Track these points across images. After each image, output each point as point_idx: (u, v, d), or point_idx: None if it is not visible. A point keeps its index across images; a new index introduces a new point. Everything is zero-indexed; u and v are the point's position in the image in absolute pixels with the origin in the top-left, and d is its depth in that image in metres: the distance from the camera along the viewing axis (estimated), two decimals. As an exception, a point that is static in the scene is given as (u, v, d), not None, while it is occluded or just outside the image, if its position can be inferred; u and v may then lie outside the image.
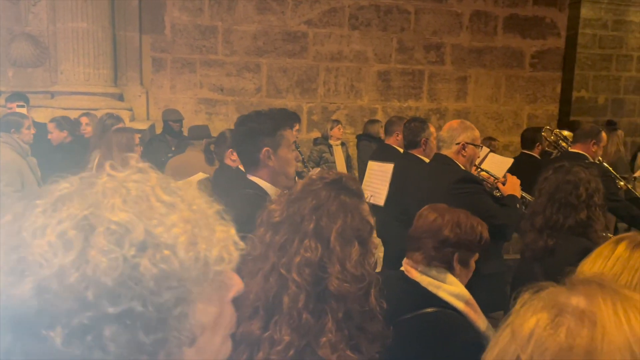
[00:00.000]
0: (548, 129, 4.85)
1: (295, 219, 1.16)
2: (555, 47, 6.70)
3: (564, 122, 9.97)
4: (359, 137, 5.44)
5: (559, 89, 6.89)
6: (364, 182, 3.00)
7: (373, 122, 5.47)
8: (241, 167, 2.49)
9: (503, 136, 6.43)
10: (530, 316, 0.66)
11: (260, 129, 1.99)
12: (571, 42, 10.23)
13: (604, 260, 1.49)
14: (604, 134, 4.13)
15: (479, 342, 1.48)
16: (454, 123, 3.06)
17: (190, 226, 0.59)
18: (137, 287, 0.54)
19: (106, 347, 0.53)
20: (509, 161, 3.67)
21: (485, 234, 1.78)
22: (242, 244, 0.64)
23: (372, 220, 1.25)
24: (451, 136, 2.95)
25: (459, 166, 2.91)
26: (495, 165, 3.38)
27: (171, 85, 5.69)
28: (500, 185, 3.10)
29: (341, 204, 1.19)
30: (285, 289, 1.10)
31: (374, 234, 1.26)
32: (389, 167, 3.00)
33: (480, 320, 1.66)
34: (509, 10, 6.37)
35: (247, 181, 2.04)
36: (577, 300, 0.67)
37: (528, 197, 3.15)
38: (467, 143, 2.93)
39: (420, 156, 3.52)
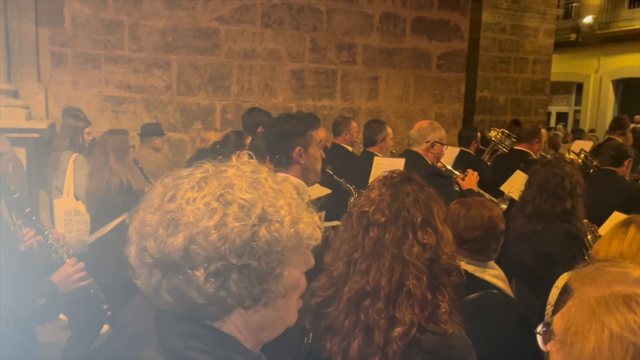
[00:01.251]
0: (495, 129, 5.28)
1: (402, 215, 1.33)
2: (459, 50, 7.05)
3: (468, 120, 10.54)
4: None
5: (463, 89, 7.26)
6: (371, 175, 3.13)
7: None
8: None
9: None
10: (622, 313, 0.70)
11: (293, 130, 2.18)
12: (474, 45, 10.83)
13: (620, 241, 1.80)
14: (544, 132, 4.57)
15: (519, 312, 1.87)
16: (424, 123, 3.42)
17: (293, 209, 0.82)
18: (255, 247, 0.77)
19: (230, 288, 0.77)
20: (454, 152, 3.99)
21: (502, 224, 2.05)
22: (323, 228, 0.86)
23: (440, 211, 1.42)
24: (421, 135, 3.30)
25: (428, 162, 3.24)
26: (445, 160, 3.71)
27: (73, 82, 5.36)
28: (460, 181, 3.45)
29: (429, 194, 1.38)
30: (406, 275, 1.27)
31: None
32: (400, 162, 3.20)
33: (511, 293, 1.95)
34: (416, 13, 6.62)
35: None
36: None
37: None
38: (435, 142, 3.30)
39: (377, 153, 3.83)
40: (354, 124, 4.64)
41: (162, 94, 5.68)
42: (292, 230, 0.80)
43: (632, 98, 16.02)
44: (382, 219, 1.33)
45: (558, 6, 13.03)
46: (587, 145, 5.34)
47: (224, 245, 0.75)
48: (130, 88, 5.55)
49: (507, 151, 4.78)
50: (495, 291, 1.89)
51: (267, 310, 0.83)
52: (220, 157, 2.80)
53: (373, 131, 4.01)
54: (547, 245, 2.52)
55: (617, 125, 6.28)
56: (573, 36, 16.82)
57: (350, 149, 4.47)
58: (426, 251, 1.30)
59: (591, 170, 4.28)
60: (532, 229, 2.61)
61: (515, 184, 3.56)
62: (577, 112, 18.10)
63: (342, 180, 2.89)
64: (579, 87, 17.78)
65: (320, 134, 5.37)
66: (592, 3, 16.55)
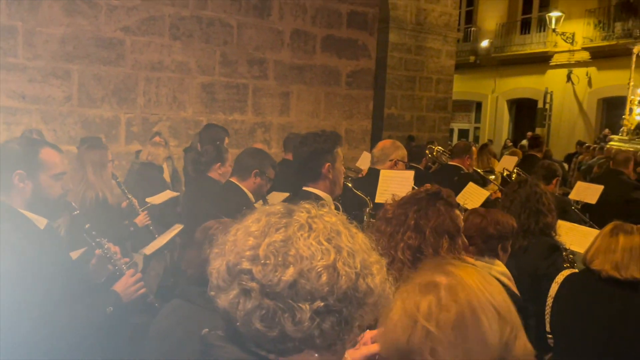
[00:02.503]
0: (431, 146, 5.65)
1: (401, 217, 1.68)
2: (367, 68, 7.30)
3: (377, 136, 10.92)
4: (186, 150, 5.32)
5: (371, 106, 7.51)
6: (379, 187, 3.36)
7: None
8: (234, 180, 3.04)
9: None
10: (420, 298, 0.87)
11: (323, 148, 2.38)
12: (382, 64, 11.28)
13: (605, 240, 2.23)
14: (474, 149, 4.95)
15: (520, 302, 2.07)
16: (387, 142, 3.66)
17: (382, 267, 0.87)
18: (354, 295, 0.81)
19: (324, 328, 0.79)
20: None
21: (514, 224, 2.40)
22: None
23: (459, 221, 1.74)
24: (384, 154, 3.52)
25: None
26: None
27: (-42, 90, 4.93)
28: None
29: (436, 209, 1.68)
30: (392, 264, 1.56)
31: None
32: (409, 174, 3.41)
33: (516, 291, 2.20)
34: (326, 31, 6.79)
35: (304, 192, 2.42)
36: (441, 278, 0.88)
37: None
38: (398, 160, 3.53)
39: None
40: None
41: (62, 105, 5.36)
42: (380, 287, 0.85)
43: (523, 116, 17.41)
44: (389, 215, 1.74)
45: (458, 30, 13.93)
46: (512, 160, 5.87)
47: (332, 287, 0.79)
48: (25, 98, 5.19)
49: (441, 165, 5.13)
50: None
51: (330, 356, 0.84)
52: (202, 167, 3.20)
53: None
54: (533, 259, 2.74)
55: (535, 143, 7.11)
56: (472, 58, 18.03)
57: None
58: (409, 248, 1.63)
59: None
60: (518, 244, 2.76)
61: (469, 196, 3.79)
62: (476, 128, 19.33)
63: (359, 192, 3.08)
64: (478, 105, 19.03)
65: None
66: (489, 28, 17.85)
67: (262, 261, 0.79)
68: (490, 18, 17.89)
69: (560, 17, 14.69)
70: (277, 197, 3.34)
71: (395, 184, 3.36)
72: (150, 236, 3.46)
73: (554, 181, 4.18)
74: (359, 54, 7.14)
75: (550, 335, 2.40)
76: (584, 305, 2.26)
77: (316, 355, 0.83)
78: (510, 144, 14.72)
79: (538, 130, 15.81)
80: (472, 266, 0.93)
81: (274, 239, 0.81)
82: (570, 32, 14.85)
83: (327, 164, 2.38)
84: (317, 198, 2.34)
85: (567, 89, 15.46)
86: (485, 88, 18.14)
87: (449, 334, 0.83)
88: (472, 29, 18.47)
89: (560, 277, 2.42)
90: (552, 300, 2.37)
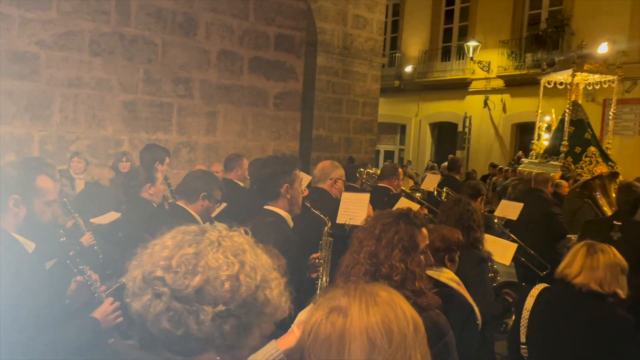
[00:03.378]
0: (361, 169, 5.85)
1: (371, 227, 2.02)
2: (295, 90, 7.38)
3: (306, 157, 11.01)
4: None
5: (299, 128, 7.57)
6: (340, 209, 3.57)
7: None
8: (181, 204, 3.08)
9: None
10: (314, 314, 0.98)
11: (282, 170, 2.60)
12: (310, 86, 11.44)
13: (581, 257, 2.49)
14: (400, 170, 5.28)
15: (468, 305, 2.43)
16: (326, 163, 3.92)
17: (281, 283, 1.00)
18: (252, 303, 0.93)
19: (224, 330, 0.91)
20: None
21: (461, 237, 2.69)
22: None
23: (420, 238, 2.01)
24: (325, 173, 3.73)
25: (332, 196, 3.71)
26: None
27: None
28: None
29: (398, 225, 1.99)
30: (355, 267, 1.94)
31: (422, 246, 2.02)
32: (365, 196, 3.73)
33: (466, 294, 2.51)
34: (253, 53, 6.80)
35: (265, 211, 2.63)
36: (339, 300, 0.97)
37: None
38: (337, 179, 3.78)
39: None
40: (245, 160, 4.99)
41: (-34, 121, 5.00)
42: (277, 300, 0.98)
43: (445, 139, 18.21)
44: (365, 226, 2.09)
45: (383, 55, 14.43)
46: (436, 178, 6.32)
47: (233, 295, 0.91)
48: None
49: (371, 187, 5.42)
50: (448, 288, 2.46)
51: (230, 358, 0.96)
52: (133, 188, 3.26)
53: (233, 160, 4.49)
54: (464, 269, 2.94)
55: (454, 166, 7.64)
56: (397, 83, 18.70)
57: (241, 184, 4.79)
58: (370, 254, 1.96)
59: None
60: None
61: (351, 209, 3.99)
62: (401, 150, 19.98)
63: (318, 212, 3.23)
64: (403, 128, 19.71)
65: (217, 167, 5.45)
66: (412, 55, 18.63)
67: (174, 269, 0.91)
68: (414, 45, 18.69)
69: (477, 46, 15.61)
70: (109, 217, 3.49)
71: (354, 205, 3.66)
72: (96, 256, 3.43)
73: (479, 199, 4.51)
74: (286, 76, 7.20)
75: (524, 346, 2.59)
76: (564, 316, 2.47)
77: (218, 358, 0.94)
78: (432, 164, 15.32)
79: (458, 153, 16.59)
80: (384, 294, 0.99)
81: (186, 252, 0.93)
82: (487, 61, 15.79)
83: (286, 185, 2.59)
84: (277, 216, 2.60)
85: (484, 114, 16.37)
86: (409, 111, 18.84)
87: (317, 351, 0.95)
88: (397, 54, 19.20)
89: (534, 291, 2.65)
90: (528, 312, 2.59)
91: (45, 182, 2.13)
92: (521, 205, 5.29)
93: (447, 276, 2.53)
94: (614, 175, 5.94)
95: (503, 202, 5.53)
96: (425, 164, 16.76)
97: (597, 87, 11.36)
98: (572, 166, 10.17)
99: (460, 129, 16.74)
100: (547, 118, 12.72)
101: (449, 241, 2.62)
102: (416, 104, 18.49)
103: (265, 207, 2.64)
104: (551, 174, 8.81)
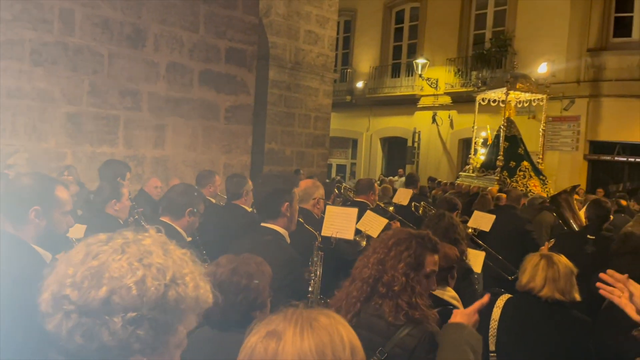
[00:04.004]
0: (339, 185, 5.93)
1: (384, 241, 2.20)
2: (246, 104, 7.35)
3: (258, 171, 10.94)
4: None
5: (250, 142, 7.53)
6: (325, 222, 3.61)
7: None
8: (167, 220, 3.02)
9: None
10: (250, 338, 0.98)
11: (282, 189, 2.66)
12: (262, 100, 11.43)
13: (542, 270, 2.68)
14: (376, 186, 5.44)
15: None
16: (309, 182, 3.95)
17: (195, 276, 1.01)
18: (164, 303, 0.94)
19: (139, 335, 0.92)
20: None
21: (458, 253, 2.86)
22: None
23: (428, 260, 2.15)
24: (307, 193, 3.74)
25: (316, 216, 3.75)
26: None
27: None
28: None
29: (408, 243, 2.15)
30: (364, 268, 2.18)
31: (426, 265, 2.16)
32: (353, 211, 3.78)
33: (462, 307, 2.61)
34: (203, 65, 6.74)
35: (263, 228, 2.67)
36: (276, 324, 0.97)
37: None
38: (319, 198, 3.81)
39: (243, 205, 4.32)
40: (217, 177, 5.06)
41: None
42: (193, 294, 0.99)
43: (395, 154, 18.56)
44: (383, 237, 2.28)
45: (335, 71, 14.62)
46: (408, 193, 6.59)
47: (142, 299, 0.92)
48: None
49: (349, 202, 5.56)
50: (451, 307, 2.59)
51: (158, 357, 0.98)
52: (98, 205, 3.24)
53: (238, 185, 4.43)
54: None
55: (411, 181, 8.02)
56: (348, 98, 18.96)
57: (213, 200, 4.83)
58: (378, 262, 2.14)
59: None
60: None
61: (369, 223, 4.17)
62: (353, 164, 20.20)
63: (308, 227, 3.30)
64: (354, 142, 19.95)
65: (156, 182, 5.38)
66: (363, 71, 18.96)
67: (79, 285, 0.92)
68: (365, 61, 19.03)
69: (426, 64, 16.06)
70: (78, 232, 3.30)
71: (341, 219, 3.73)
72: None
73: (455, 213, 4.70)
74: (237, 90, 7.16)
75: (493, 354, 2.75)
76: (532, 325, 2.67)
77: (145, 359, 0.96)
78: (383, 178, 15.56)
79: (408, 167, 16.93)
80: (323, 319, 0.99)
81: (90, 265, 0.93)
82: (435, 78, 16.27)
83: (286, 203, 2.66)
84: (276, 233, 2.66)
85: (433, 130, 16.82)
86: (360, 126, 19.10)
87: None
88: (348, 70, 19.48)
89: (500, 302, 2.85)
90: (496, 322, 2.77)
91: (62, 192, 2.16)
92: (493, 217, 5.57)
93: (449, 294, 2.72)
94: (574, 188, 6.31)
95: (476, 213, 5.78)
96: (377, 177, 16.99)
97: (534, 104, 11.99)
98: (508, 180, 10.69)
99: (409, 143, 17.11)
100: (483, 134, 13.26)
101: (451, 259, 2.77)
102: (367, 119, 18.78)
103: (263, 224, 2.69)
104: (489, 188, 9.25)
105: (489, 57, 15.20)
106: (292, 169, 11.94)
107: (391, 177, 15.56)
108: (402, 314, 2.04)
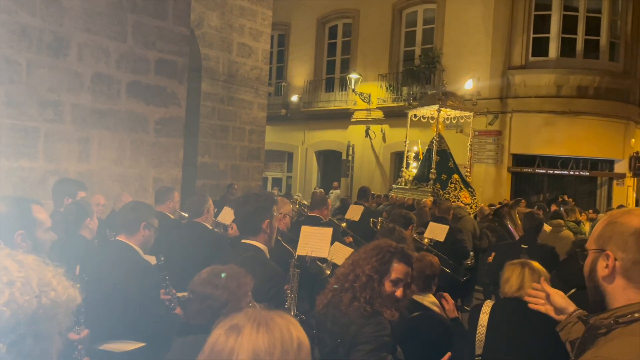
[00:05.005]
0: (296, 200, 5.96)
1: (364, 249, 2.51)
2: (177, 116, 7.15)
3: (190, 185, 10.68)
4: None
5: (181, 155, 7.33)
6: (300, 242, 3.82)
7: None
8: (122, 238, 3.02)
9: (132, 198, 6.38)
10: (215, 331, 1.10)
11: (263, 207, 2.78)
12: (194, 112, 11.20)
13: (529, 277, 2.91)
14: (328, 201, 5.67)
15: (444, 323, 2.94)
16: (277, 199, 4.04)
17: (58, 278, 0.99)
18: (42, 314, 0.93)
19: (25, 352, 0.91)
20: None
21: (439, 262, 3.28)
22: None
23: (394, 267, 2.39)
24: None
25: (282, 230, 3.83)
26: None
27: None
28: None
29: (379, 249, 2.43)
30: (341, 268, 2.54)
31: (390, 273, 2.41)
32: (328, 230, 4.01)
33: (444, 314, 3.06)
34: (132, 76, 6.51)
35: (244, 245, 2.78)
36: (238, 320, 1.10)
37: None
38: (286, 214, 4.05)
39: (204, 223, 4.50)
40: (177, 193, 5.12)
41: None
42: (64, 295, 0.97)
43: (330, 167, 18.74)
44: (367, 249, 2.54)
45: (270, 84, 14.61)
46: (359, 209, 6.90)
47: (17, 318, 0.88)
48: None
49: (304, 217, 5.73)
50: (429, 311, 2.90)
51: None
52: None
53: (199, 203, 4.60)
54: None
55: (364, 195, 8.30)
56: (283, 111, 18.99)
57: (172, 216, 4.84)
58: (347, 271, 2.43)
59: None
60: None
61: (336, 253, 4.33)
62: (289, 177, 20.20)
63: (286, 245, 3.45)
64: (290, 156, 19.98)
65: (99, 198, 5.21)
66: (298, 84, 19.07)
67: None
68: (299, 75, 19.17)
69: (359, 79, 16.40)
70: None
71: (315, 239, 3.90)
72: None
73: (410, 227, 5.04)
74: (168, 102, 6.97)
75: (479, 358, 2.92)
76: (521, 326, 2.85)
77: None
78: (322, 191, 15.63)
79: (342, 180, 17.12)
80: (278, 319, 1.14)
81: None
82: (367, 93, 16.63)
83: (267, 220, 2.76)
84: (256, 249, 2.77)
85: (366, 143, 17.14)
86: (295, 139, 19.16)
87: None
88: (283, 84, 19.55)
89: (486, 309, 3.05)
90: (484, 328, 2.94)
91: (39, 211, 2.19)
92: (447, 227, 5.97)
93: (429, 300, 3.02)
94: (517, 202, 6.86)
95: (431, 224, 6.13)
96: (312, 189, 17.07)
97: (462, 120, 12.63)
98: (441, 192, 11.18)
99: (344, 157, 17.34)
100: (415, 148, 13.75)
101: (435, 269, 3.05)
102: (302, 132, 18.87)
103: (244, 240, 2.80)
104: (423, 199, 9.63)
105: (418, 73, 15.74)
106: (227, 183, 11.76)
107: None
108: (355, 306, 2.30)
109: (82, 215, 3.51)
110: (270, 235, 2.83)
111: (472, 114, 12.12)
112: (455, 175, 11.64)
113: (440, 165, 11.57)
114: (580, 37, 13.97)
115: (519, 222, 6.22)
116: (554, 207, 9.28)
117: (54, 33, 5.74)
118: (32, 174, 5.70)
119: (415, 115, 12.54)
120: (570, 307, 1.86)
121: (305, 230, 3.93)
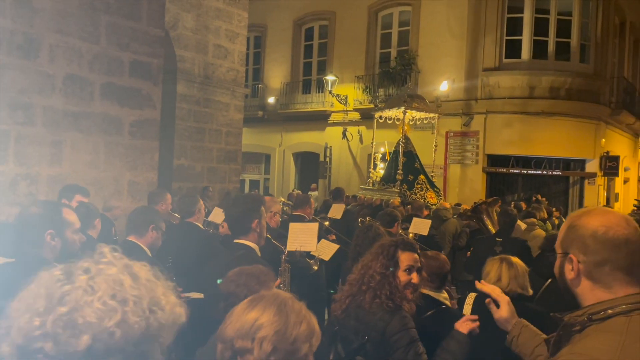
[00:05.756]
0: (282, 200, 6.14)
1: (365, 258, 2.75)
2: (152, 118, 7.07)
3: (166, 188, 10.56)
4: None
5: (157, 157, 7.25)
6: (289, 238, 3.98)
7: None
8: (133, 239, 3.31)
9: (105, 202, 6.28)
10: (240, 304, 1.32)
11: (252, 207, 2.97)
12: (170, 115, 11.09)
13: (496, 271, 3.18)
14: (312, 200, 5.88)
15: (459, 318, 2.79)
16: (267, 198, 4.20)
17: (168, 296, 0.96)
18: (148, 335, 0.90)
19: None
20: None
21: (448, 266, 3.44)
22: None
23: (402, 257, 2.61)
24: (266, 207, 3.94)
25: (271, 227, 3.96)
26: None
27: None
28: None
29: (383, 249, 2.67)
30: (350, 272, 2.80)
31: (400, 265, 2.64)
32: (314, 225, 4.26)
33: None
34: (105, 78, 6.41)
35: (236, 244, 2.94)
36: (259, 298, 1.30)
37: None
38: (276, 212, 4.26)
39: (196, 223, 4.74)
40: (169, 195, 5.31)
41: None
42: (171, 316, 0.93)
43: (307, 168, 18.75)
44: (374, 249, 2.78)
45: (246, 86, 14.55)
46: (341, 208, 7.20)
47: (126, 339, 0.85)
48: None
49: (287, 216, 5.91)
50: (444, 307, 3.08)
51: None
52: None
53: (190, 204, 4.83)
54: None
55: (339, 195, 8.62)
56: (260, 113, 18.92)
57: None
58: (360, 276, 2.63)
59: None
60: None
61: (323, 249, 4.64)
62: (266, 179, 20.13)
63: (276, 242, 3.61)
64: (267, 157, 19.91)
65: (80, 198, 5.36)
66: (274, 86, 19.03)
67: (52, 337, 0.82)
68: (276, 77, 19.13)
69: (335, 80, 16.45)
70: None
71: (303, 234, 4.10)
72: None
73: (395, 224, 5.33)
74: (143, 104, 6.89)
75: None
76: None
77: None
78: (297, 192, 15.62)
79: (320, 181, 17.14)
80: (297, 306, 1.33)
81: (59, 313, 0.83)
82: (344, 95, 16.69)
83: (256, 220, 2.95)
84: (247, 248, 2.93)
85: (343, 145, 17.19)
86: (273, 141, 19.11)
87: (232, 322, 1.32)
88: (260, 85, 19.48)
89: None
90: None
91: (69, 214, 2.43)
92: (429, 222, 6.41)
93: (443, 296, 3.21)
94: (495, 201, 7.28)
95: (415, 219, 6.53)
96: (290, 190, 17.06)
97: (426, 122, 12.97)
98: (408, 192, 11.44)
99: (322, 158, 17.36)
100: (382, 149, 13.95)
101: (448, 267, 3.28)
102: (279, 134, 18.84)
103: (236, 240, 2.98)
104: (391, 200, 9.82)
105: (394, 75, 15.85)
106: (203, 185, 11.67)
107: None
108: (378, 303, 2.49)
109: (92, 216, 3.77)
110: (260, 234, 3.01)
111: (437, 115, 12.44)
112: (422, 176, 12.00)
113: (407, 166, 11.88)
114: (551, 39, 14.26)
115: (496, 218, 6.51)
116: (524, 206, 9.74)
117: (24, 34, 5.63)
118: (2, 178, 5.57)
119: (381, 117, 12.77)
120: (513, 318, 1.97)
121: (294, 226, 4.15)
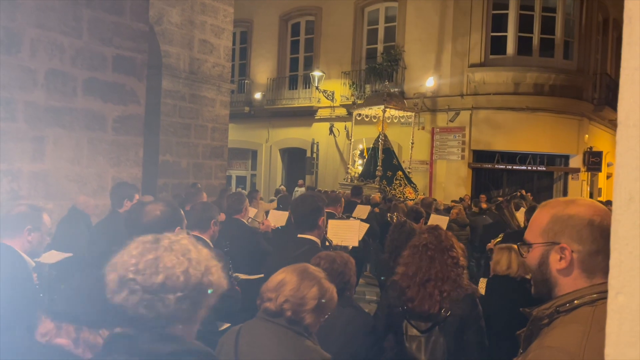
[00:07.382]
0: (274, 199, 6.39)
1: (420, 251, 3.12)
2: (136, 114, 7.01)
3: (151, 184, 10.49)
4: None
5: (141, 153, 7.19)
6: (329, 234, 4.09)
7: None
8: (197, 234, 3.50)
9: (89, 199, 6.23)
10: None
11: (319, 206, 3.27)
12: (155, 110, 10.99)
13: (506, 258, 3.64)
14: (342, 199, 6.20)
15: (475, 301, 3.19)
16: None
17: (220, 268, 1.43)
18: (201, 287, 1.34)
19: (183, 308, 1.29)
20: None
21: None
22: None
23: (451, 245, 3.09)
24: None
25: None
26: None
27: None
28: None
29: (450, 248, 3.08)
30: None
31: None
32: (355, 222, 4.60)
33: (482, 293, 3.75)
34: (88, 73, 6.34)
35: (300, 239, 3.22)
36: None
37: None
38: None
39: (241, 219, 4.99)
40: (204, 194, 5.76)
41: None
42: (218, 281, 1.34)
43: (294, 164, 18.72)
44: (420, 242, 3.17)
45: (232, 81, 14.47)
46: (366, 209, 7.49)
47: (187, 283, 1.26)
48: None
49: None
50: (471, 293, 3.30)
51: (190, 325, 1.33)
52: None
53: (238, 202, 5.06)
54: None
55: (357, 193, 8.86)
56: (247, 109, 18.84)
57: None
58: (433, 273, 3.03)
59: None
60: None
61: (341, 234, 4.64)
62: (253, 175, 20.07)
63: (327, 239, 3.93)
64: (254, 153, 19.85)
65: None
66: (261, 82, 18.96)
67: (142, 272, 1.24)
68: (262, 72, 19.05)
69: (322, 76, 16.42)
70: (55, 257, 3.60)
71: (344, 230, 4.48)
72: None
73: (421, 220, 5.63)
74: (127, 99, 6.82)
75: None
76: (510, 297, 3.35)
77: (180, 326, 1.28)
78: (284, 188, 15.60)
79: (307, 177, 17.13)
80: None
81: (148, 257, 1.26)
82: (331, 90, 16.67)
83: (322, 218, 3.25)
84: (312, 242, 3.19)
85: (330, 140, 17.19)
86: (259, 137, 19.05)
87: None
88: (246, 81, 19.39)
89: (482, 284, 3.63)
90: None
91: (46, 218, 2.99)
92: (447, 218, 6.77)
93: (481, 285, 3.58)
94: (513, 197, 7.52)
95: (433, 216, 6.82)
96: (277, 186, 17.03)
97: (410, 119, 13.19)
98: (387, 188, 11.66)
99: (309, 154, 17.35)
100: (360, 146, 14.11)
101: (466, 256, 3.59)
102: (266, 130, 18.78)
103: (300, 235, 3.23)
104: (372, 195, 10.02)
105: (381, 70, 15.87)
106: (189, 182, 11.60)
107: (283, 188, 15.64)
108: (455, 294, 2.90)
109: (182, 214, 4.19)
110: (322, 230, 3.34)
111: (413, 114, 12.78)
112: (399, 172, 12.31)
113: (386, 162, 12.11)
114: (536, 36, 14.37)
115: (515, 213, 6.91)
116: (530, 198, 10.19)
117: (5, 29, 5.54)
118: (-18, 175, 5.50)
119: (359, 115, 12.95)
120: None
121: (333, 223, 4.47)
